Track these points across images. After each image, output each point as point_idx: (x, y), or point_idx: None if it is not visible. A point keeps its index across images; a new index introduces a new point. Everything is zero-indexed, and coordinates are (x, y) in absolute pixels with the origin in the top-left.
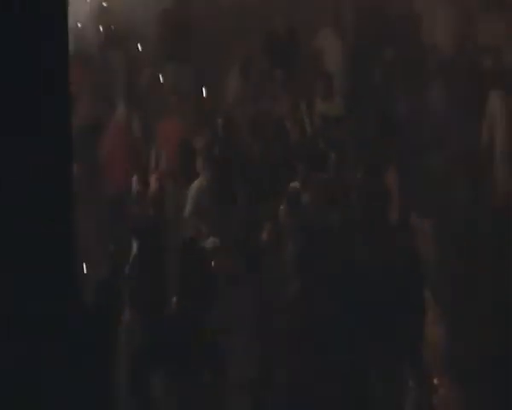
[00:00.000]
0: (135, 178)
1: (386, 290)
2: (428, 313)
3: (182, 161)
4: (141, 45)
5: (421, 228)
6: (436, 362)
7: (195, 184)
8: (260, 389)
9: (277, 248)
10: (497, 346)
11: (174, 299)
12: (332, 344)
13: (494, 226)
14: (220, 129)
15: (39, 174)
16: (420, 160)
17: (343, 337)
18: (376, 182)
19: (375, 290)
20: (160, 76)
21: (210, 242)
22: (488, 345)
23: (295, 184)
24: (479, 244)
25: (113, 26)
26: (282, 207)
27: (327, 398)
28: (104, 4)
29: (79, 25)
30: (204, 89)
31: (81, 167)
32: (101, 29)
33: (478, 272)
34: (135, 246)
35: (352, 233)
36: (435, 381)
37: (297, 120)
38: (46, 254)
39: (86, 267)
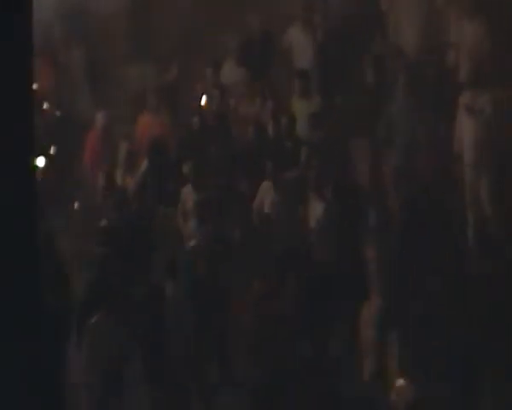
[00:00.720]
0: (103, 176)
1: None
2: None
3: (152, 159)
4: (106, 43)
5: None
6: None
7: (186, 187)
8: None
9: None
10: (456, 346)
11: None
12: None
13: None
14: (194, 128)
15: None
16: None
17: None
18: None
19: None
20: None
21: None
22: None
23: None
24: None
25: (78, 24)
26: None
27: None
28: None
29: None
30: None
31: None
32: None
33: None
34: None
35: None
36: (399, 382)
37: (265, 119)
38: (8, 254)
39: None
